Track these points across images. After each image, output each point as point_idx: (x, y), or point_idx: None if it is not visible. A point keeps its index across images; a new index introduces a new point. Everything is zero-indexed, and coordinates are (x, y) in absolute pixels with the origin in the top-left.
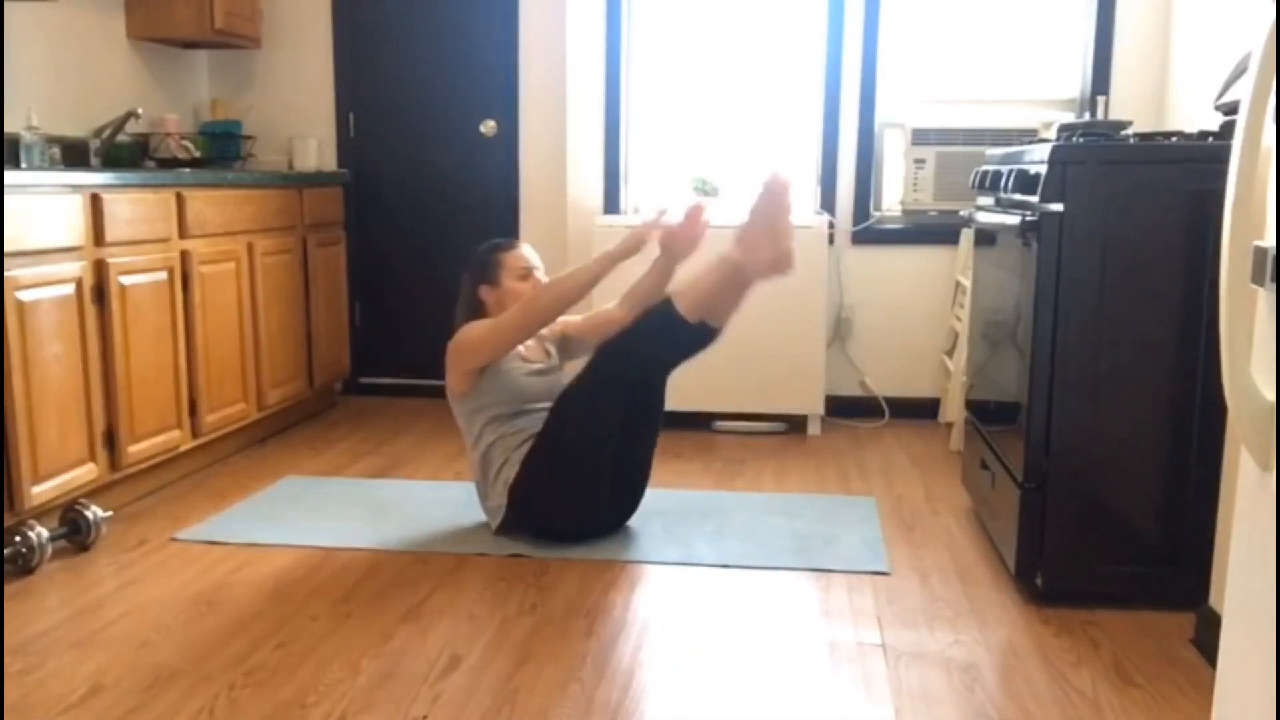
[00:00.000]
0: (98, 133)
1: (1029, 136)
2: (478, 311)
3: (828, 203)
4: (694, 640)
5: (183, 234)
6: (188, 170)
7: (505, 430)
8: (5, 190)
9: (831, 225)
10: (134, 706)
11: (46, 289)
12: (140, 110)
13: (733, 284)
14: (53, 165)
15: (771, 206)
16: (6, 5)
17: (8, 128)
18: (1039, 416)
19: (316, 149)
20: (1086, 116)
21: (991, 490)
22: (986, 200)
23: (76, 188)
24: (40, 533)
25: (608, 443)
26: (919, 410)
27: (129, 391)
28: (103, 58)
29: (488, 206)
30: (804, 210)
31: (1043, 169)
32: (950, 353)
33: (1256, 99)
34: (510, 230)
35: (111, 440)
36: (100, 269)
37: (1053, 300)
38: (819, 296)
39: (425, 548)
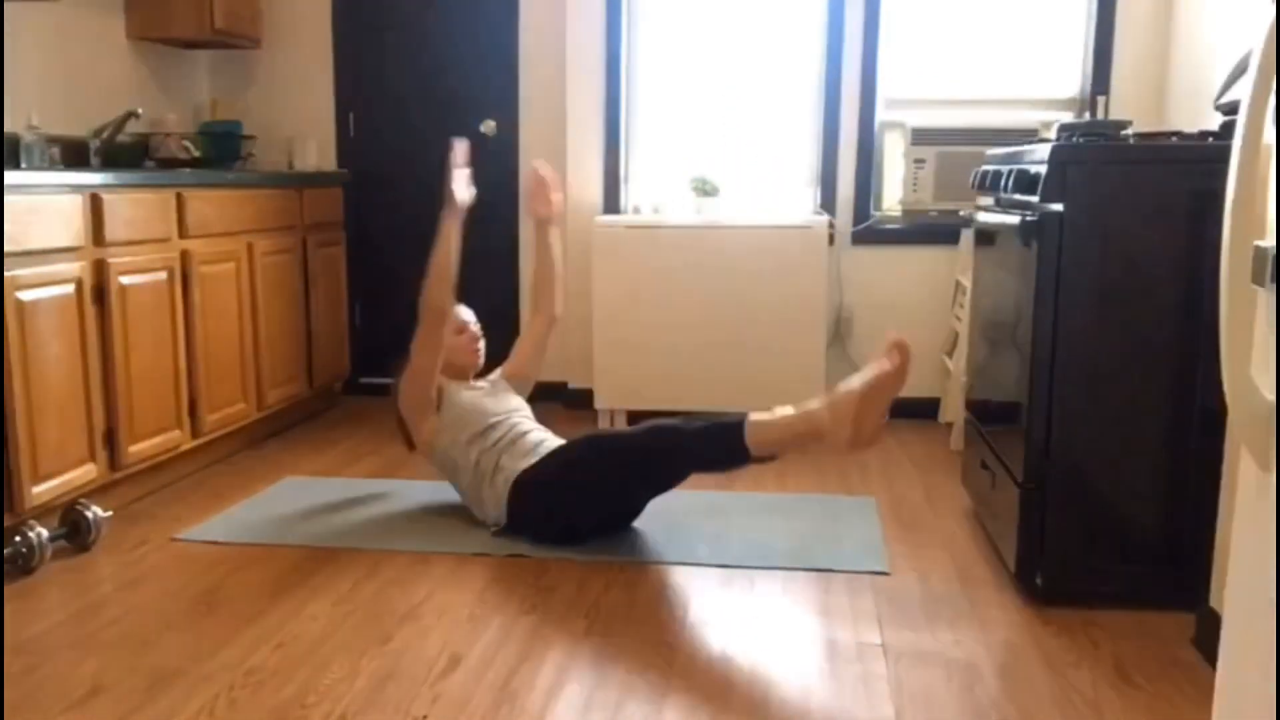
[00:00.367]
0: (98, 133)
1: (1029, 136)
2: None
3: (828, 203)
4: (694, 640)
5: (183, 234)
6: (188, 170)
7: (486, 444)
8: (5, 190)
9: (831, 225)
10: (134, 706)
11: (46, 289)
12: (140, 110)
13: (805, 440)
14: (53, 165)
15: (885, 393)
16: (6, 5)
17: (8, 128)
18: (1039, 416)
19: (316, 149)
20: (1086, 116)
21: (991, 490)
22: (987, 200)
23: (76, 188)
24: (40, 533)
25: (616, 497)
26: (919, 410)
27: (129, 391)
28: (103, 58)
29: (488, 207)
30: (804, 210)
31: (1043, 169)
32: (950, 353)
33: (1256, 99)
34: (510, 231)
35: (111, 440)
36: (100, 269)
37: (1053, 300)
38: (819, 296)
39: (425, 548)
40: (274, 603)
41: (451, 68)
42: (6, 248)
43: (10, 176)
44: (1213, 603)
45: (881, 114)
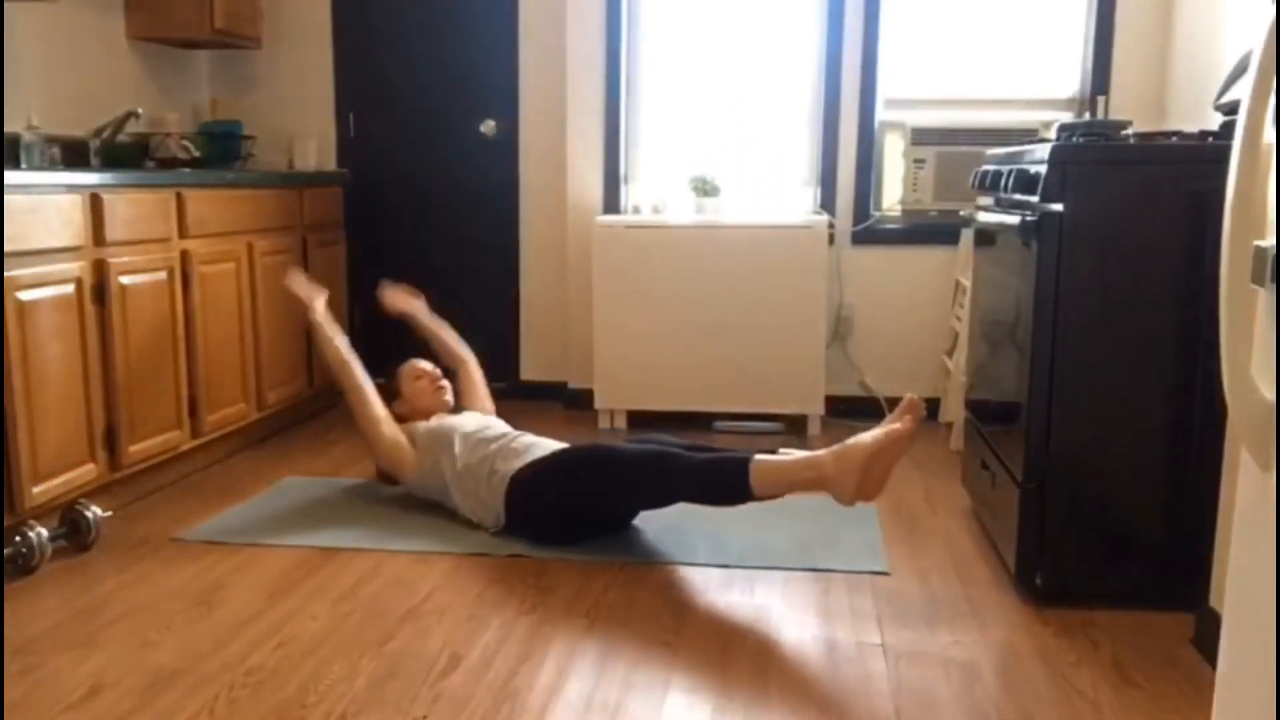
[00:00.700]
0: (98, 133)
1: (1029, 136)
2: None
3: (828, 203)
4: (694, 640)
5: (183, 234)
6: (188, 170)
7: (467, 457)
8: (5, 190)
9: (831, 225)
10: (134, 706)
11: (46, 289)
12: (140, 110)
13: (806, 487)
14: (53, 165)
15: (894, 450)
16: (6, 5)
17: (8, 128)
18: (1039, 416)
19: (316, 149)
20: (1086, 116)
21: (991, 490)
22: (987, 200)
23: (76, 188)
24: (40, 533)
25: (612, 513)
26: None
27: (129, 391)
28: (103, 58)
29: (488, 206)
30: (804, 210)
31: (1043, 169)
32: (950, 353)
33: (1256, 99)
34: (510, 230)
35: (111, 440)
36: (100, 269)
37: (1053, 300)
38: (819, 296)
39: (425, 548)
40: (274, 603)
41: (451, 68)
42: (6, 248)
43: (10, 176)
44: (1213, 603)
45: (881, 114)
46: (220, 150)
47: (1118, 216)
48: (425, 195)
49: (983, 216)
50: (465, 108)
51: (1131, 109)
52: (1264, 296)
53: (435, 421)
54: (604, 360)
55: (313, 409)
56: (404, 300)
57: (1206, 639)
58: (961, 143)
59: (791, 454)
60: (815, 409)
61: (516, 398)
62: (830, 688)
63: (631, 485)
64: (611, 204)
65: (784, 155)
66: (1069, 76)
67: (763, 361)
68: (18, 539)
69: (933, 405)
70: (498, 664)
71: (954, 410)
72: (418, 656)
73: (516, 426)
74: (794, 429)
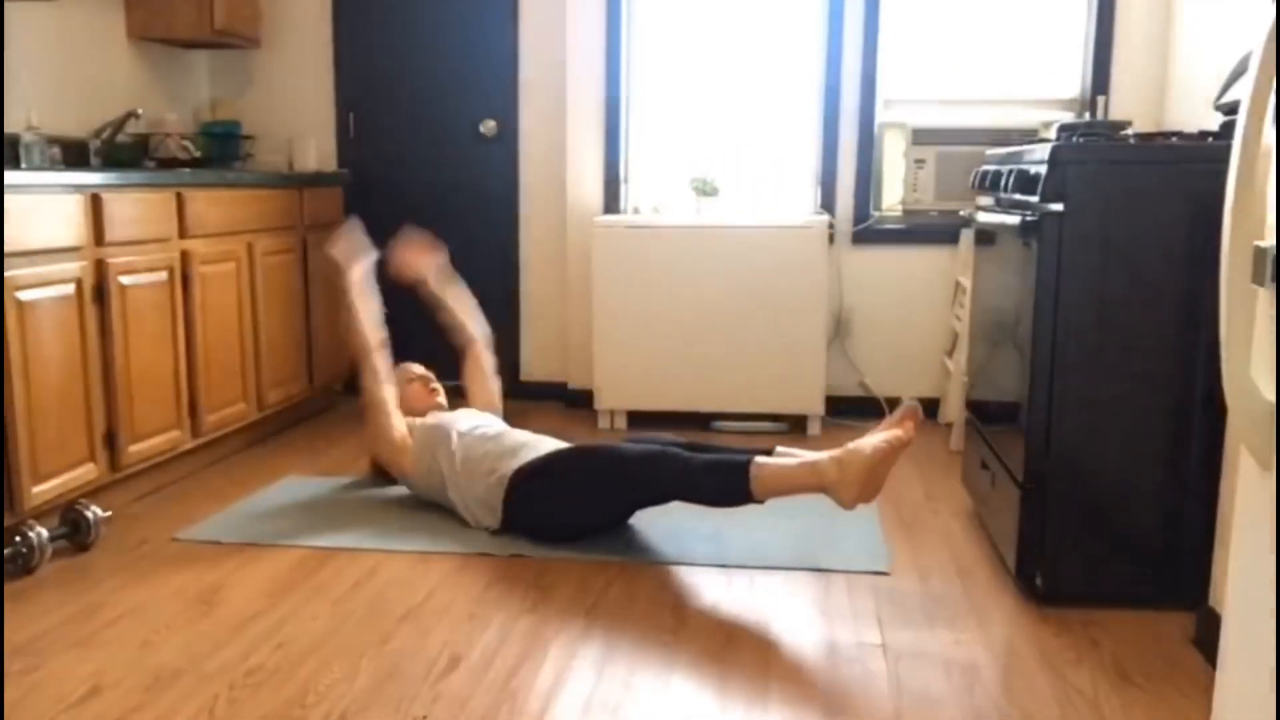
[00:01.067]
0: (98, 133)
1: (1029, 136)
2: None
3: (828, 203)
4: (694, 640)
5: (183, 234)
6: (188, 170)
7: (464, 454)
8: (5, 190)
9: (831, 225)
10: (134, 706)
11: (46, 289)
12: (140, 110)
13: (807, 491)
14: (53, 165)
15: (893, 455)
16: (6, 5)
17: (8, 128)
18: (1039, 416)
19: (316, 149)
20: (1086, 116)
21: (991, 490)
22: (986, 200)
23: (76, 188)
24: (40, 533)
25: (611, 515)
26: None
27: (129, 391)
28: (103, 58)
29: (488, 206)
30: (804, 210)
31: (1043, 169)
32: (950, 353)
33: (1256, 99)
34: (510, 230)
35: (111, 440)
36: (100, 269)
37: (1053, 300)
38: (819, 296)
39: (425, 548)
40: (274, 603)
41: (451, 68)
42: (6, 248)
43: (10, 176)
44: (1213, 603)
45: (881, 114)
46: (220, 150)
47: (1118, 216)
48: (425, 195)
49: (983, 216)
50: (465, 108)
51: (1131, 109)
52: (1264, 296)
53: (432, 419)
54: (604, 360)
55: (313, 409)
56: (416, 264)
57: (1206, 639)
58: (961, 143)
59: (792, 456)
60: (815, 409)
61: (517, 398)
62: (830, 688)
63: (630, 485)
64: (611, 204)
65: (784, 155)
66: (1069, 76)
67: (763, 361)
68: (18, 539)
69: (933, 405)
70: (498, 664)
71: (954, 410)
72: (418, 656)
73: (516, 426)
74: (794, 429)
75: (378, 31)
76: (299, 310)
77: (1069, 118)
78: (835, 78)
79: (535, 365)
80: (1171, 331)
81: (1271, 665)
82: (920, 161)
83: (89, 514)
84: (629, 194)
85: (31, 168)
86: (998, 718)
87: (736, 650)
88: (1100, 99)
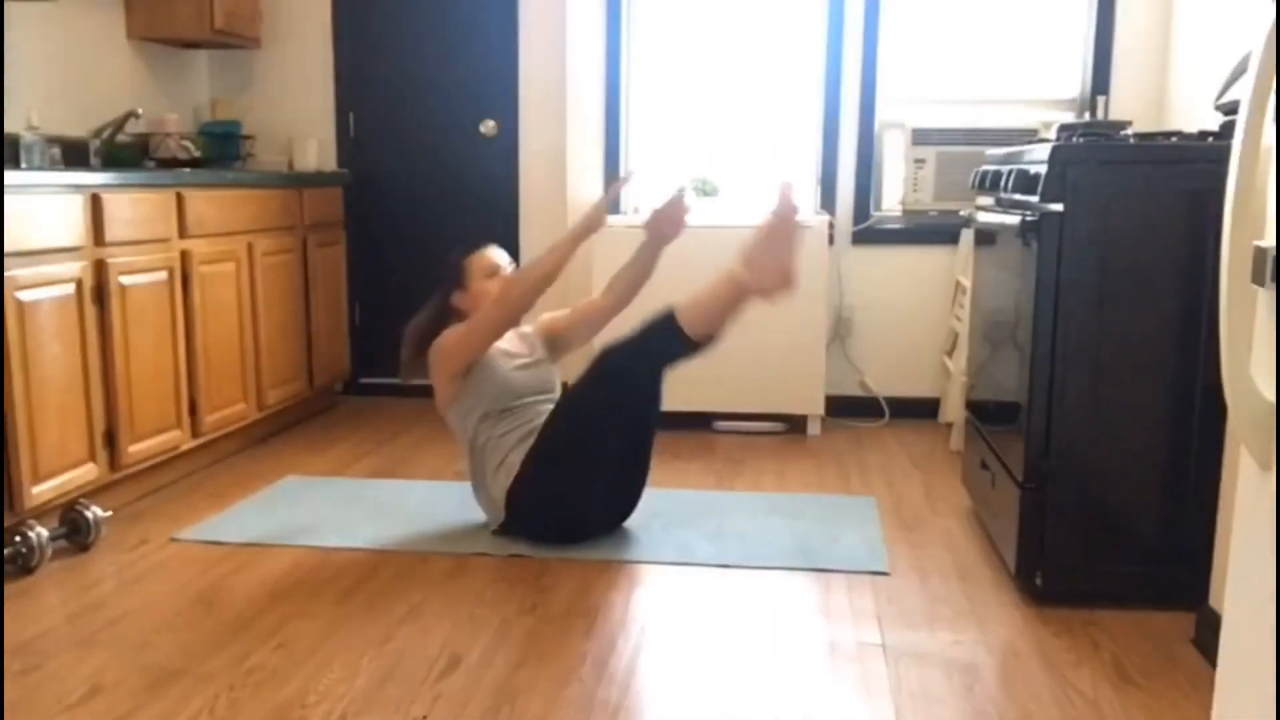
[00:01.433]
0: (98, 133)
1: (1029, 136)
2: (449, 319)
3: (828, 203)
4: (694, 640)
5: (183, 234)
6: (188, 170)
7: (498, 429)
8: (5, 190)
9: (831, 225)
10: (134, 706)
11: (46, 289)
12: (140, 110)
13: (736, 302)
14: (53, 165)
15: (781, 229)
16: (6, 5)
17: (8, 128)
18: (1039, 416)
19: (316, 149)
20: (1086, 116)
21: (991, 490)
22: (986, 200)
23: (76, 188)
24: (40, 533)
25: (607, 444)
26: (919, 410)
27: (129, 391)
28: (103, 58)
29: (488, 206)
30: (805, 211)
31: (1043, 169)
32: (950, 353)
33: (1256, 99)
34: (510, 230)
35: (111, 440)
36: (100, 269)
37: (1053, 300)
38: (819, 296)
39: (425, 548)
40: (274, 603)
41: (451, 68)
42: (6, 248)
43: (10, 176)
44: (1213, 602)
45: (881, 114)
46: (220, 150)
47: (1118, 216)
48: (425, 195)
49: (983, 216)
50: (465, 108)
51: (1131, 109)
52: (1264, 296)
53: (501, 373)
54: None
55: (313, 409)
56: (671, 228)
57: (1206, 639)
58: (961, 143)
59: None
60: (815, 409)
61: None
62: (830, 688)
63: (606, 402)
64: (612, 204)
65: (784, 155)
66: (1069, 76)
67: (763, 361)
68: (18, 539)
69: (933, 405)
70: (498, 664)
71: (954, 410)
72: (418, 656)
73: None
74: (794, 429)
75: (378, 31)
76: (299, 310)
77: (1069, 118)
78: (835, 77)
79: None
80: (1171, 331)
81: (1271, 665)
82: (920, 161)
83: (89, 514)
84: (629, 194)
85: (31, 168)
86: (997, 718)
87: (737, 650)
88: (1100, 99)
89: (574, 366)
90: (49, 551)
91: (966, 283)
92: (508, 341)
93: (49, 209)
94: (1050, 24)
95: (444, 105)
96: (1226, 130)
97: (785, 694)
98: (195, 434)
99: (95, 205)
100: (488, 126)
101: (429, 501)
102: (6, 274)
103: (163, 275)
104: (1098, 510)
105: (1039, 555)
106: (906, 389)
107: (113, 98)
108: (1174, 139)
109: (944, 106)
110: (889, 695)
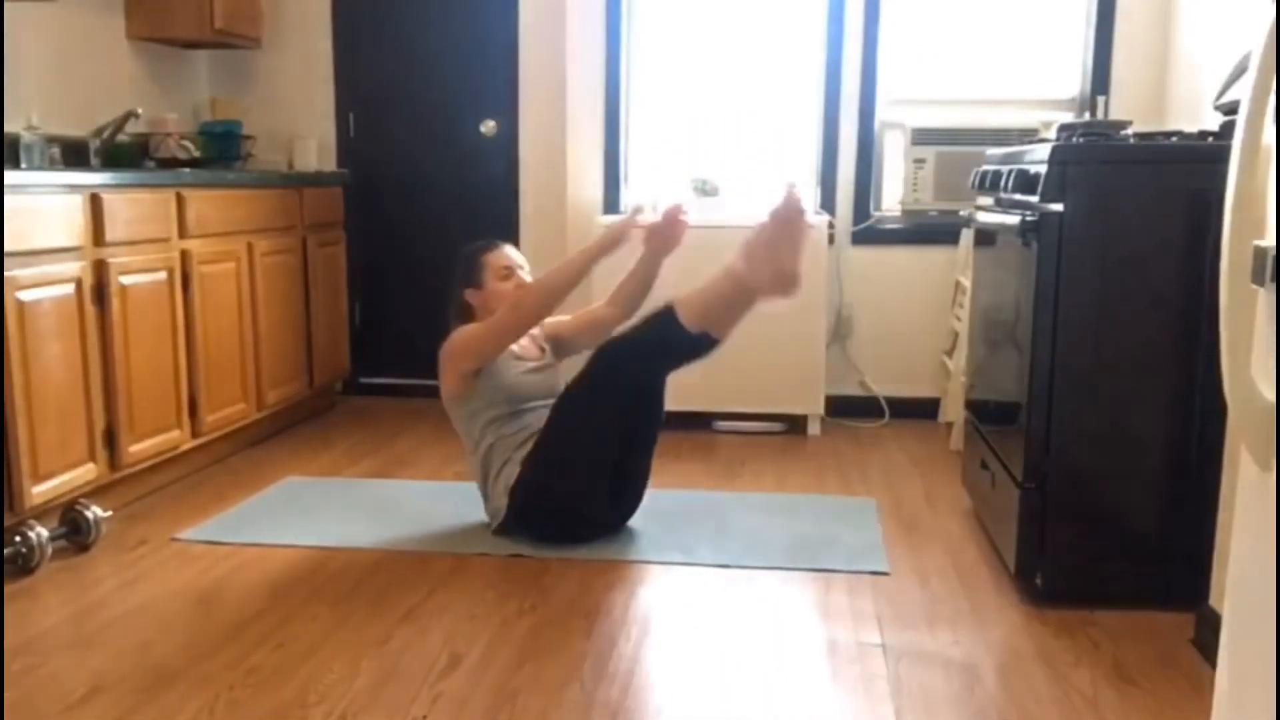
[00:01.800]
0: (98, 133)
1: (1029, 136)
2: (466, 315)
3: (828, 203)
4: (694, 640)
5: (183, 234)
6: (188, 170)
7: (504, 431)
8: (5, 190)
9: (831, 225)
10: (134, 706)
11: (46, 289)
12: (140, 110)
13: (735, 299)
14: (53, 165)
15: (783, 230)
16: (6, 5)
17: (8, 128)
18: (1039, 416)
19: (316, 149)
20: (1086, 116)
21: (991, 490)
22: (986, 200)
23: (76, 188)
24: (40, 533)
25: (608, 442)
26: (919, 410)
27: (129, 391)
28: (103, 58)
29: (488, 206)
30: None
31: (1043, 169)
32: (950, 353)
33: (1256, 99)
34: (510, 230)
35: (111, 440)
36: (100, 269)
37: (1053, 300)
38: (819, 296)
39: (425, 548)
40: (274, 603)
41: (451, 68)
42: (6, 248)
43: (10, 176)
44: (1213, 602)
45: (881, 114)
46: (220, 150)
47: (1118, 216)
48: (425, 195)
49: (982, 216)
50: (465, 108)
51: (1131, 109)
52: (1264, 296)
53: (511, 376)
54: None
55: (313, 409)
56: (671, 240)
57: (1206, 639)
58: (961, 143)
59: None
60: (815, 409)
61: None
62: (830, 688)
63: (606, 402)
64: (611, 204)
65: (784, 155)
66: (1069, 76)
67: (763, 361)
68: (18, 539)
69: (933, 405)
70: (498, 664)
71: (954, 410)
72: (418, 656)
73: None
74: (794, 429)
75: (378, 31)
76: (299, 310)
77: (1069, 118)
78: (835, 77)
79: None
80: (1171, 331)
81: (1271, 665)
82: (920, 161)
83: (89, 514)
84: (629, 194)
85: (31, 168)
86: (997, 718)
87: (737, 651)
88: (1100, 99)
89: (574, 367)
90: (49, 551)
91: (966, 283)
92: (518, 344)
93: (49, 209)
94: (1050, 24)
95: (444, 105)
96: (1226, 130)
97: (785, 694)
98: (195, 434)
99: (95, 205)
100: (488, 126)
101: (429, 501)
102: (6, 274)
103: (162, 275)
104: (1098, 510)
105: (1039, 555)
106: (906, 389)
107: (112, 98)
108: (1174, 139)
109: (944, 106)
110: (889, 696)
